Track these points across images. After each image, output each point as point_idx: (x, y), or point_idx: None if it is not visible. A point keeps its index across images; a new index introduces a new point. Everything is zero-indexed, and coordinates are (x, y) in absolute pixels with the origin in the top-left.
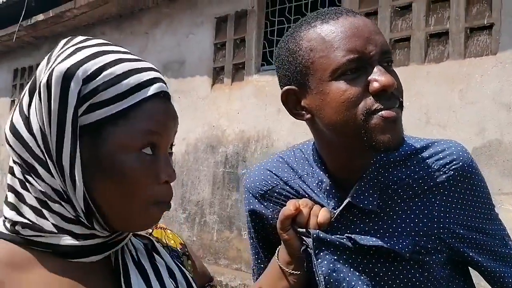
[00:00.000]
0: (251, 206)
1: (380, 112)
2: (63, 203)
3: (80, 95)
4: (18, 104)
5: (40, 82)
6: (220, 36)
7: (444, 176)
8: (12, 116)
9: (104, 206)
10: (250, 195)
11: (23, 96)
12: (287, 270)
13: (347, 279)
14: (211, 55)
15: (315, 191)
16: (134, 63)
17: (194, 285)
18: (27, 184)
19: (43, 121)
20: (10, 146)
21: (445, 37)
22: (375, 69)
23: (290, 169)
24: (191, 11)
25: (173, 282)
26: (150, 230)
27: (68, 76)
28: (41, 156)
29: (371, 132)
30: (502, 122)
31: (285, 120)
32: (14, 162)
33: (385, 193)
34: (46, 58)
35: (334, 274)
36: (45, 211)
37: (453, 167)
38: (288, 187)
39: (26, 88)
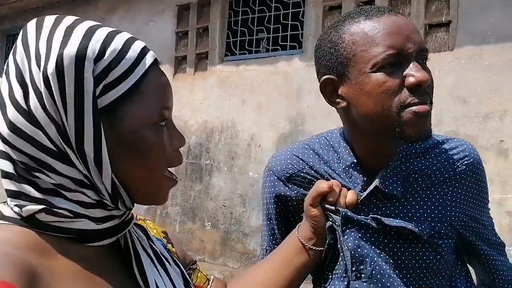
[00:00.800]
0: (276, 188)
1: (413, 107)
2: (83, 189)
3: (93, 76)
4: (8, 99)
5: (45, 71)
6: (182, 25)
7: (457, 170)
8: (4, 113)
9: (129, 182)
10: (275, 177)
11: (10, 89)
12: (307, 245)
13: (370, 255)
14: (173, 44)
15: (341, 176)
16: (122, 35)
17: (184, 270)
18: (35, 180)
19: (56, 110)
20: (10, 144)
21: None
22: (411, 65)
23: (315, 155)
24: None
25: (167, 266)
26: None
27: (80, 58)
28: (53, 147)
29: (403, 124)
30: (458, 115)
31: (249, 111)
32: (13, 161)
33: (407, 181)
34: (21, 45)
35: (359, 250)
36: (58, 201)
37: (465, 162)
38: (313, 171)
39: (11, 81)
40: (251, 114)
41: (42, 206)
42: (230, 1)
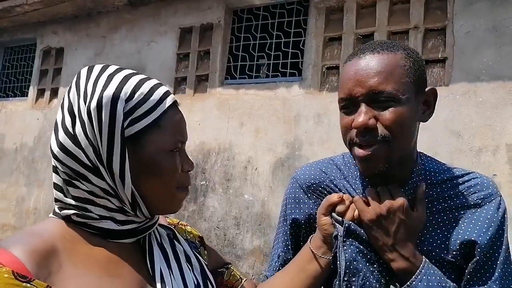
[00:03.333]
0: (296, 195)
1: (354, 147)
2: (109, 198)
3: (123, 112)
4: (61, 125)
5: (89, 106)
6: (184, 47)
7: (470, 200)
8: (57, 135)
9: (147, 196)
10: (297, 185)
11: (62, 118)
12: (317, 253)
13: (364, 269)
14: (173, 65)
15: (357, 191)
16: (150, 82)
17: (207, 269)
18: (75, 182)
19: (94, 136)
20: (58, 159)
21: None
22: (360, 108)
23: (338, 170)
24: (153, 20)
25: (189, 265)
26: (174, 224)
27: (115, 99)
28: (90, 164)
29: (354, 158)
30: (452, 148)
31: (247, 134)
32: (60, 171)
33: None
34: (75, 86)
35: (354, 262)
36: (89, 206)
37: (482, 195)
38: (333, 185)
39: (63, 111)
40: (248, 138)
41: (74, 211)
42: (232, 26)
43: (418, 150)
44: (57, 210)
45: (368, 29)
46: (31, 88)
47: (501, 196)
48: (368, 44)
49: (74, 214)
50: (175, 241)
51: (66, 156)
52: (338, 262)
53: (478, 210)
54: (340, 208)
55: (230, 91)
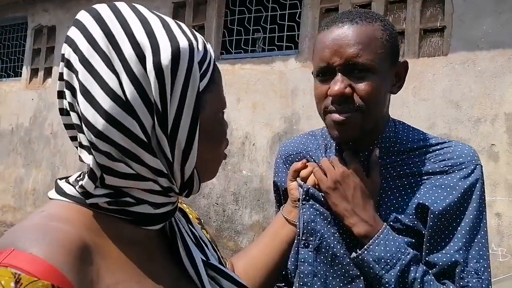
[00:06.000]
0: (278, 165)
1: (330, 114)
2: (159, 178)
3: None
4: (101, 90)
5: (158, 62)
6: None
7: (437, 168)
8: (95, 105)
9: (199, 167)
10: (279, 156)
11: (99, 80)
12: (288, 218)
13: (322, 230)
14: None
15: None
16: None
17: (219, 253)
18: (117, 165)
19: (162, 99)
20: (101, 136)
21: (401, 37)
22: (336, 77)
23: (316, 141)
24: None
25: (206, 250)
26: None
27: (192, 51)
28: (144, 138)
29: (327, 126)
30: (450, 118)
31: (244, 110)
32: (99, 150)
33: (381, 173)
34: (101, 32)
35: (312, 223)
36: (128, 190)
37: (450, 163)
38: (308, 156)
39: (98, 70)
40: (246, 113)
41: (106, 199)
42: (227, 0)
43: (395, 119)
44: (70, 192)
45: None
46: (24, 68)
47: (477, 165)
48: (345, 13)
49: (106, 202)
50: (189, 225)
51: (115, 130)
52: (297, 223)
53: (444, 177)
54: (302, 173)
55: (226, 66)
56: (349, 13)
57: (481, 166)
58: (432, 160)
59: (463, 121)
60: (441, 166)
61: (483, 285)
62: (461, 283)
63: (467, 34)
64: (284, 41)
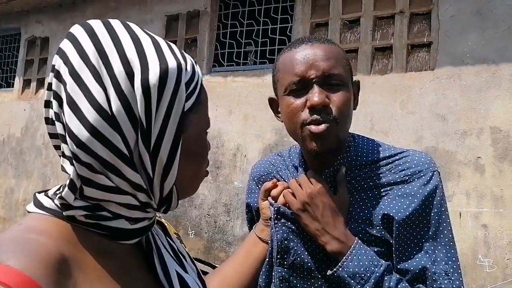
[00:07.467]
0: (250, 186)
1: (309, 126)
2: (138, 192)
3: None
4: (88, 103)
5: (145, 81)
6: (171, 35)
7: (398, 178)
8: (80, 117)
9: (179, 184)
10: (251, 177)
11: (87, 93)
12: (260, 236)
13: (295, 248)
14: None
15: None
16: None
17: (197, 266)
18: (97, 177)
19: (146, 116)
20: (83, 147)
21: (389, 52)
22: (312, 89)
23: (283, 162)
24: (139, 7)
25: (191, 267)
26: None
27: (180, 70)
28: (126, 152)
29: (304, 139)
30: (437, 132)
31: (236, 122)
32: (80, 162)
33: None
34: (93, 47)
35: (285, 241)
36: (105, 204)
37: (409, 172)
38: (278, 175)
39: (86, 83)
40: (237, 125)
41: (83, 212)
42: (219, 13)
43: (355, 133)
44: (48, 205)
45: (354, 14)
46: (16, 78)
47: (434, 172)
48: (306, 37)
49: (83, 215)
50: (167, 238)
51: (98, 142)
52: (270, 242)
53: (405, 186)
54: (273, 192)
55: (218, 79)
56: (310, 37)
57: (438, 172)
58: (392, 171)
59: (449, 134)
60: (401, 176)
61: (454, 286)
62: (434, 286)
63: (453, 49)
64: (276, 55)
